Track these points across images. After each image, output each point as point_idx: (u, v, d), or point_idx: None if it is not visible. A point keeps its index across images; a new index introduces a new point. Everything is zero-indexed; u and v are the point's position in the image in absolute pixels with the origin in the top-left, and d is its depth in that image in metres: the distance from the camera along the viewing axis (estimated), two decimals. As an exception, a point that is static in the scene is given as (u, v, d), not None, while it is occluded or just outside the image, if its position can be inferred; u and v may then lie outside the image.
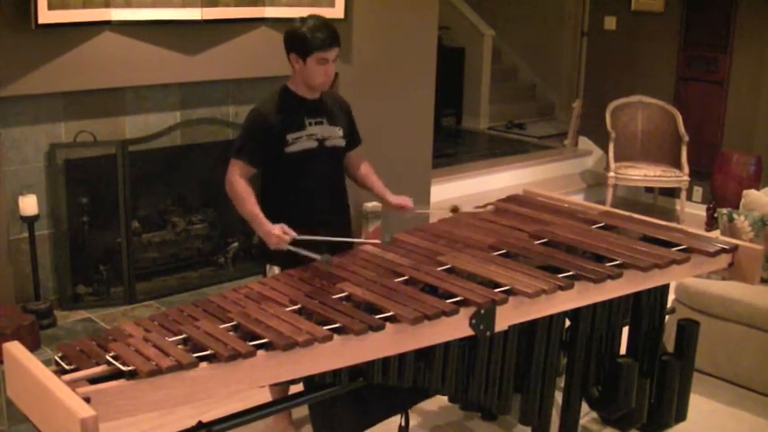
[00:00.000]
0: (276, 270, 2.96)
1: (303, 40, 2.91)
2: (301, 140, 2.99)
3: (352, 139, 3.21)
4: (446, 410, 3.50)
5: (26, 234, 3.97)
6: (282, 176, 3.03)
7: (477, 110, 8.45)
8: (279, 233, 2.81)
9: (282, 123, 2.97)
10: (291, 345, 2.13)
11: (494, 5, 8.94)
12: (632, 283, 2.85)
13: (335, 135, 3.08)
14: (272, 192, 3.06)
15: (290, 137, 2.97)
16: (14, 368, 2.06)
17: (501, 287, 2.55)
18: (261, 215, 2.89)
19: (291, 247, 2.80)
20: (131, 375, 1.97)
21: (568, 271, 2.71)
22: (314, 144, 3.02)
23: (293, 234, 2.81)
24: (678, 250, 2.99)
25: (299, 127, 3.00)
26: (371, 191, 3.24)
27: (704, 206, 6.23)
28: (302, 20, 2.97)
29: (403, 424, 3.02)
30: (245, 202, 2.93)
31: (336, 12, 4.68)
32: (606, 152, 6.42)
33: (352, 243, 3.07)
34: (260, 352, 2.12)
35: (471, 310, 2.45)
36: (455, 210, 3.11)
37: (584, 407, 3.20)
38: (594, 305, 2.90)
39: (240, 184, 2.95)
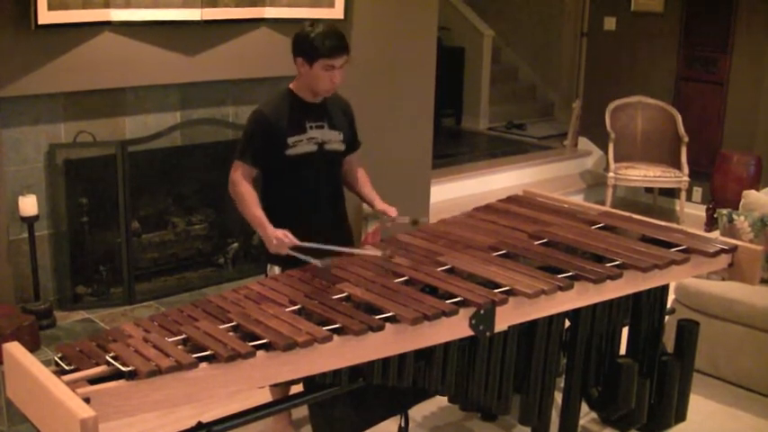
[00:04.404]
0: (277, 270, 2.97)
1: (311, 45, 2.90)
2: (302, 144, 2.99)
3: (352, 142, 3.20)
4: (446, 411, 3.50)
5: (26, 234, 3.97)
6: (281, 179, 3.03)
7: (477, 110, 8.45)
8: (280, 236, 2.81)
9: (284, 126, 2.97)
10: (291, 345, 2.13)
11: (494, 6, 8.95)
12: (632, 284, 2.85)
13: (335, 139, 3.08)
14: (271, 194, 3.06)
15: (290, 140, 2.97)
16: (14, 369, 2.06)
17: (501, 287, 2.55)
18: (264, 218, 2.89)
19: (291, 252, 2.80)
20: (131, 376, 1.97)
21: (568, 271, 2.71)
22: (314, 148, 3.02)
23: (294, 240, 2.81)
24: (678, 251, 2.99)
25: (300, 130, 3.00)
26: (362, 197, 3.22)
27: (704, 206, 6.23)
28: (312, 24, 2.95)
29: (403, 424, 3.02)
30: (248, 204, 2.93)
31: (336, 12, 4.68)
32: (606, 152, 6.42)
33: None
34: (260, 352, 2.12)
35: (471, 310, 2.45)
36: (415, 222, 3.09)
37: (584, 407, 3.20)
38: (594, 305, 2.90)
39: (243, 186, 2.95)
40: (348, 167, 3.22)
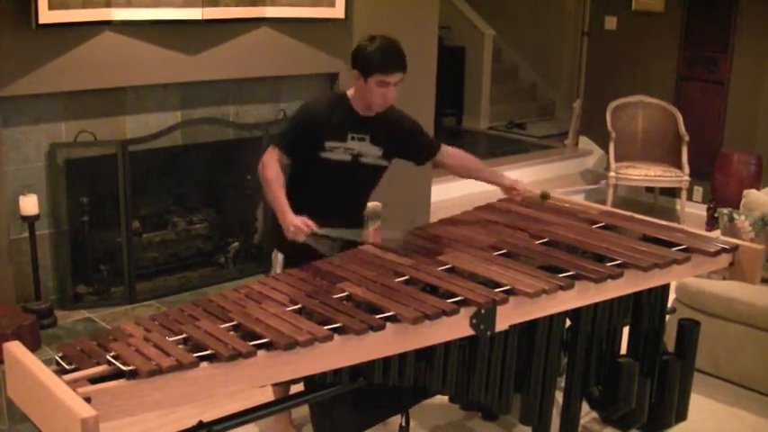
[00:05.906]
0: (280, 257, 2.97)
1: (368, 59, 2.89)
2: (338, 151, 2.99)
3: (429, 146, 3.30)
4: (447, 410, 3.50)
5: (27, 234, 3.97)
6: (308, 175, 3.03)
7: (478, 110, 8.46)
8: (298, 224, 2.81)
9: (326, 128, 2.96)
10: (292, 344, 2.13)
11: (494, 5, 8.95)
12: (633, 283, 2.85)
13: (373, 154, 3.06)
14: (294, 186, 3.05)
15: (328, 144, 2.97)
16: (15, 368, 2.06)
17: (502, 287, 2.55)
18: (285, 203, 2.90)
19: (308, 240, 2.82)
20: (132, 375, 1.97)
21: (569, 271, 2.71)
22: (347, 158, 3.01)
23: (314, 227, 2.81)
24: (679, 250, 2.99)
25: (340, 137, 2.99)
26: (484, 181, 3.43)
27: (704, 206, 6.24)
28: (371, 38, 2.94)
29: (403, 424, 3.02)
30: (273, 186, 2.94)
31: (336, 11, 4.68)
32: (607, 152, 6.42)
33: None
34: (260, 352, 2.12)
35: (472, 309, 2.45)
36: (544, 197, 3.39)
37: (585, 407, 3.20)
38: (595, 305, 2.90)
39: (273, 169, 2.96)
40: (456, 162, 3.35)
